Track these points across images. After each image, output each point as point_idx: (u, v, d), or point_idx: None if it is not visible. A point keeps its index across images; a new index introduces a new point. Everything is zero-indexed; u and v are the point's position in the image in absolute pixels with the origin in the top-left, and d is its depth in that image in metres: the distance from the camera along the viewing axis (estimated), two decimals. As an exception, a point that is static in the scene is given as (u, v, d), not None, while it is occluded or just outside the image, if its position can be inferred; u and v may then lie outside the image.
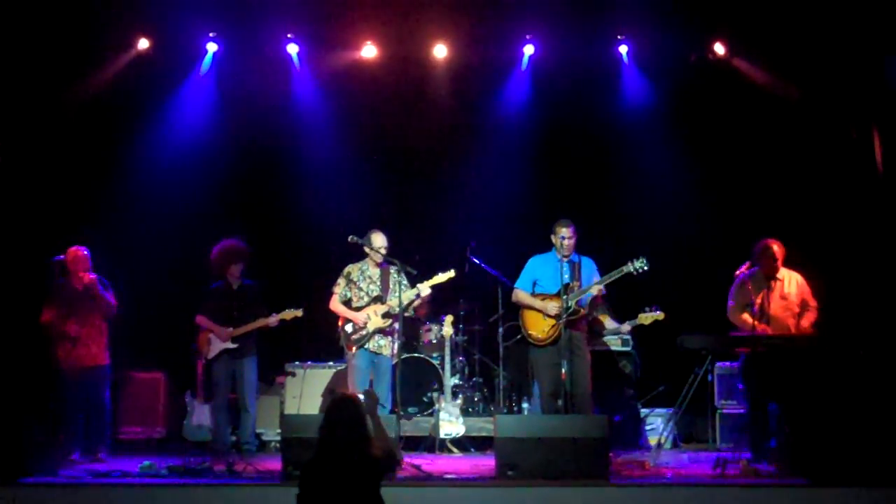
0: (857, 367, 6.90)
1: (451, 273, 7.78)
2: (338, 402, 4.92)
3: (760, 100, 9.48)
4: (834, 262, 8.66)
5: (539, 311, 7.48)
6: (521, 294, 7.65)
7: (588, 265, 7.60)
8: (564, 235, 7.51)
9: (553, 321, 7.38)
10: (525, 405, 8.98)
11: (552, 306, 7.39)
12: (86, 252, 8.13)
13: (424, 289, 7.76)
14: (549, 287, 7.53)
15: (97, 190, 9.38)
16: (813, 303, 7.70)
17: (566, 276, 7.42)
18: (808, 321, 7.62)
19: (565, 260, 7.52)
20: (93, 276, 8.09)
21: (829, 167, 9.22)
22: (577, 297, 7.37)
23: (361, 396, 5.12)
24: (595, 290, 7.36)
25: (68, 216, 9.11)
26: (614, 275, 7.36)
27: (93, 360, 8.02)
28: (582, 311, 7.42)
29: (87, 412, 8.00)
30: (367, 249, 7.78)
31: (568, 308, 7.30)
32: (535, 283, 7.63)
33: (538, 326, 7.48)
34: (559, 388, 7.31)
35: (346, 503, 4.70)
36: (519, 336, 7.93)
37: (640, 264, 7.32)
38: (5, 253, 8.74)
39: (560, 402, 7.30)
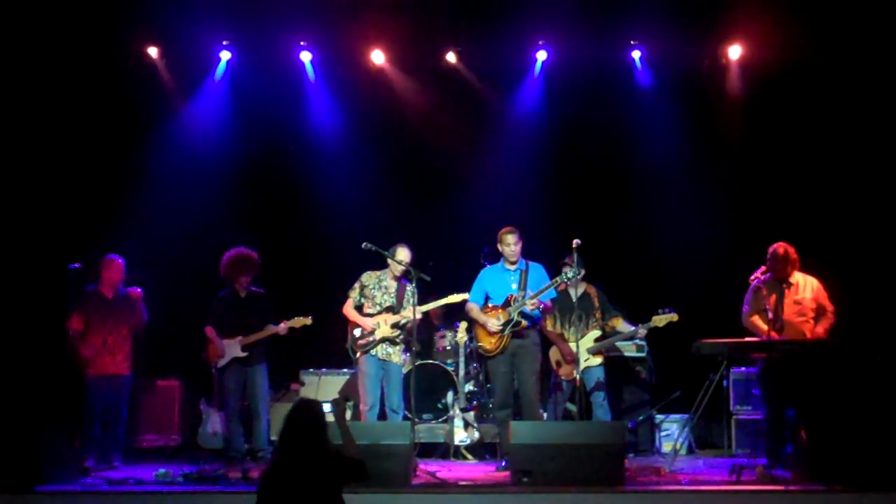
0: (874, 372, 6.85)
1: (466, 296, 7.79)
2: (298, 407, 4.88)
3: (775, 103, 9.44)
4: (851, 266, 8.60)
5: (482, 325, 7.62)
6: (471, 307, 7.80)
7: (536, 271, 7.69)
8: (510, 243, 7.62)
9: (499, 332, 7.53)
10: (540, 411, 8.93)
11: (493, 323, 7.53)
12: (121, 261, 8.22)
13: (437, 303, 7.88)
14: (498, 298, 7.68)
15: (112, 198, 9.43)
16: (830, 307, 7.57)
17: (513, 287, 7.57)
18: (822, 327, 7.51)
19: (512, 269, 7.65)
20: (139, 290, 8.27)
21: (847, 170, 9.17)
22: (518, 309, 7.46)
23: (328, 405, 5.04)
24: (530, 305, 7.43)
25: (84, 224, 9.19)
26: (549, 287, 7.44)
27: (116, 369, 8.09)
28: (523, 323, 7.51)
29: (105, 420, 8.06)
30: (389, 260, 7.76)
31: (510, 321, 7.45)
32: (487, 297, 7.76)
33: (486, 339, 7.65)
34: (509, 396, 7.61)
35: None
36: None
37: (572, 273, 7.42)
38: (25, 261, 8.82)
39: (513, 407, 7.64)
